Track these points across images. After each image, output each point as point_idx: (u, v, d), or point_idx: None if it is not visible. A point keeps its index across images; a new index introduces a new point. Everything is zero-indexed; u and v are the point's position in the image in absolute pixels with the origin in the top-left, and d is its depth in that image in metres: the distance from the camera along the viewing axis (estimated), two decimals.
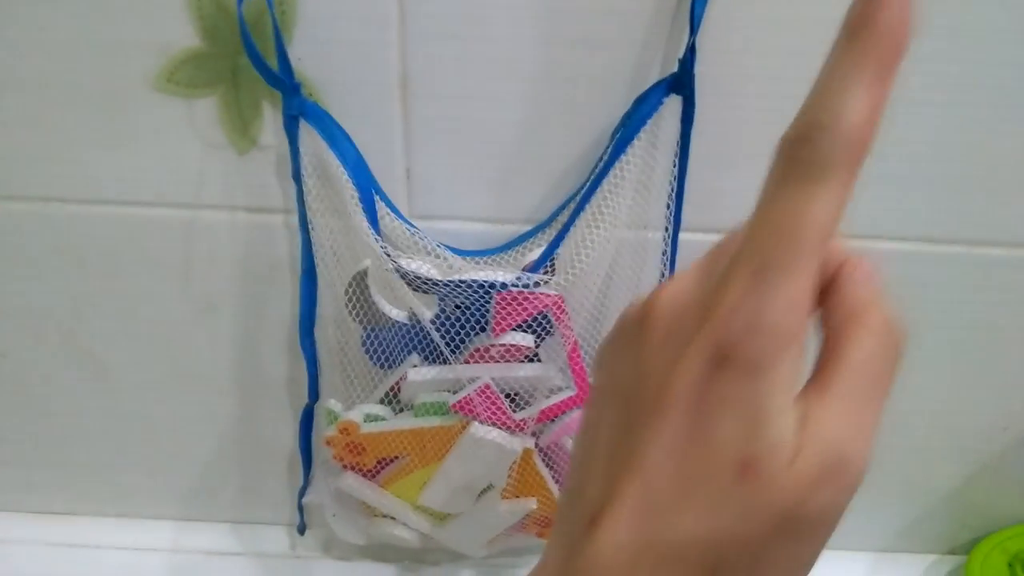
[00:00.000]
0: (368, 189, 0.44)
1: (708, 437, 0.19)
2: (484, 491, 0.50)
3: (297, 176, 0.44)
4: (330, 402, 0.49)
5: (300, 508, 0.57)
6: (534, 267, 0.44)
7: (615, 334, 0.23)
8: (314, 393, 0.51)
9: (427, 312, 0.45)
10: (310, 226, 0.45)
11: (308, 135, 0.43)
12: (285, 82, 0.42)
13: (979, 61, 0.42)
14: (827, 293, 0.21)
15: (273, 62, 0.42)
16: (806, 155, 0.19)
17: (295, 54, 0.43)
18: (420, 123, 0.45)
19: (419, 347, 0.47)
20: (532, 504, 0.50)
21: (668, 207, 0.45)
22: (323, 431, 0.49)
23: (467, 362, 0.46)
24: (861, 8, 0.19)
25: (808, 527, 0.20)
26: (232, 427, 0.57)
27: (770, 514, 0.19)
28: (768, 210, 0.20)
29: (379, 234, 0.44)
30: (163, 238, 0.49)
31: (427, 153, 0.46)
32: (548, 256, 0.44)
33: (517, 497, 0.50)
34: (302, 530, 0.58)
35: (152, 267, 0.50)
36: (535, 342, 0.45)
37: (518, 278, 0.43)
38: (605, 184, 0.42)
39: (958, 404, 0.54)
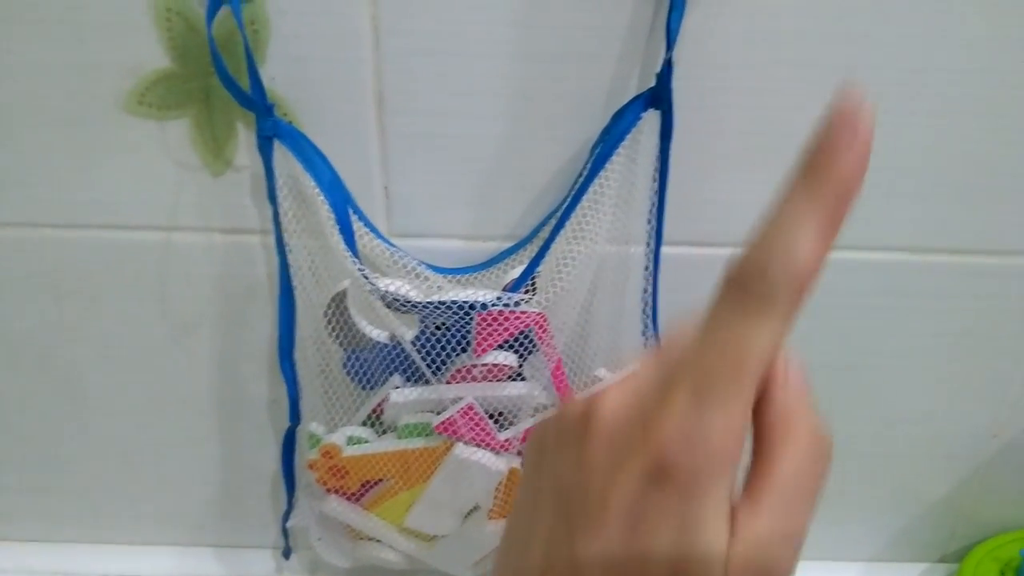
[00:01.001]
0: (344, 210, 0.43)
1: (644, 548, 0.21)
2: (470, 512, 0.49)
3: (272, 197, 0.43)
4: (312, 425, 0.48)
5: (284, 532, 0.56)
6: (515, 285, 0.43)
7: (557, 428, 0.24)
8: (295, 416, 0.50)
9: (408, 333, 0.44)
10: (287, 247, 0.45)
11: (283, 156, 0.43)
12: (257, 103, 0.41)
13: (965, 71, 0.42)
14: (760, 399, 0.22)
15: (246, 82, 0.41)
16: (755, 288, 0.20)
17: (269, 73, 0.42)
18: (397, 140, 0.45)
19: (401, 368, 0.46)
20: None
21: (649, 221, 0.45)
22: (305, 454, 0.48)
23: (450, 382, 0.45)
24: (820, 150, 0.20)
25: None
26: (214, 451, 0.56)
27: None
28: (714, 334, 0.21)
29: (356, 255, 0.43)
30: (139, 261, 0.49)
31: (405, 171, 0.45)
32: (529, 274, 0.43)
33: (504, 517, 0.49)
34: (287, 554, 0.57)
35: (128, 291, 0.50)
36: (518, 361, 0.45)
37: (499, 297, 0.43)
38: (585, 200, 0.42)
39: (947, 412, 0.54)
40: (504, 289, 0.44)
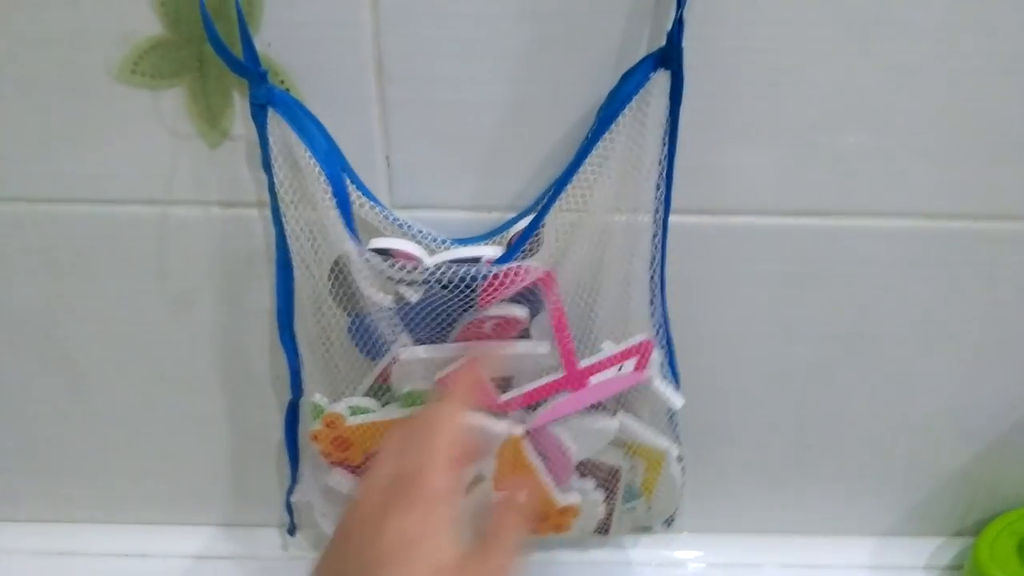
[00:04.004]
0: (340, 180, 0.42)
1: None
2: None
3: (267, 167, 0.42)
4: (315, 396, 0.47)
5: (289, 508, 0.55)
6: (519, 240, 0.42)
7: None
8: (297, 388, 0.49)
9: (413, 295, 0.43)
10: (284, 218, 0.43)
11: (277, 124, 0.41)
12: (250, 69, 0.40)
13: (986, 28, 0.40)
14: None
15: (240, 49, 0.40)
16: None
17: (264, 39, 0.41)
18: (398, 108, 0.43)
19: (409, 329, 0.45)
20: (523, 496, 0.48)
21: (658, 187, 0.43)
22: (309, 426, 0.48)
23: (458, 340, 0.44)
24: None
25: None
26: (218, 427, 0.55)
27: None
28: None
29: (353, 228, 0.42)
30: (136, 236, 0.48)
31: (407, 139, 0.44)
32: (534, 229, 0.42)
33: (510, 487, 0.48)
34: (292, 531, 0.57)
35: (126, 266, 0.49)
36: (528, 314, 0.44)
37: (505, 253, 0.42)
38: (590, 161, 0.40)
39: (965, 384, 0.53)
40: (508, 244, 0.42)
